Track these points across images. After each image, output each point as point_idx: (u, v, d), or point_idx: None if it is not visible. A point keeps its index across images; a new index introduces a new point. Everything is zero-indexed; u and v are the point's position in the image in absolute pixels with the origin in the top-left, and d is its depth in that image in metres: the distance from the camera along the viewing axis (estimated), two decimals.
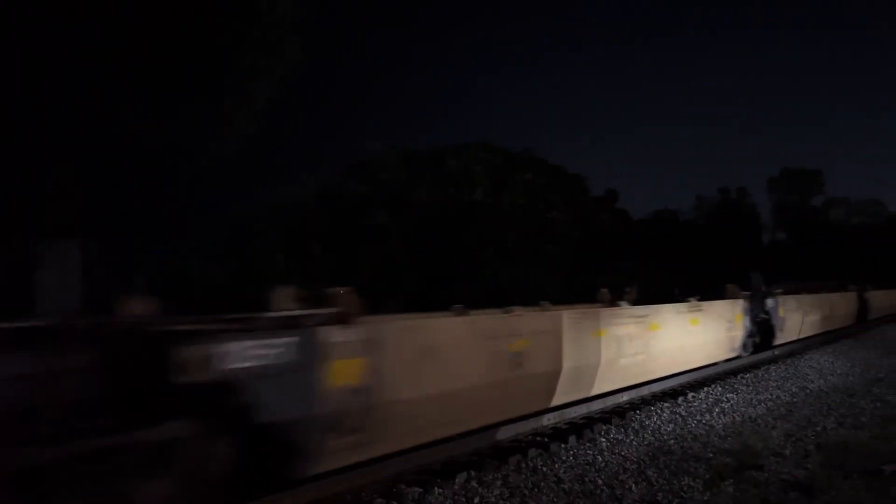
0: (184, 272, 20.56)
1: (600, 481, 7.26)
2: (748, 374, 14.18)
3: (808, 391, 13.21)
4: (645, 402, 11.19)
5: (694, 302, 14.21)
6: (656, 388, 12.09)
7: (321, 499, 6.14)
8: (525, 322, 8.76)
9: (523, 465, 7.64)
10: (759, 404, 11.68)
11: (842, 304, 27.52)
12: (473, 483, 6.95)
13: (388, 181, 32.68)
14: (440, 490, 6.65)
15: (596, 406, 10.33)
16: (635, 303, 12.68)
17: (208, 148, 18.33)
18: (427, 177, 33.20)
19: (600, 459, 8.05)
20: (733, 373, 14.40)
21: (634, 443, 8.86)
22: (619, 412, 10.25)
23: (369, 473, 6.63)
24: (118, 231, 17.02)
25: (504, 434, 8.50)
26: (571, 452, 8.22)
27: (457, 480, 6.93)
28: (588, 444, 8.63)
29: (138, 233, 18.08)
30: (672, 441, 9.03)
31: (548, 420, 9.32)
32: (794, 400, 12.29)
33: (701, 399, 11.60)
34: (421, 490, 6.60)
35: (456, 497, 6.56)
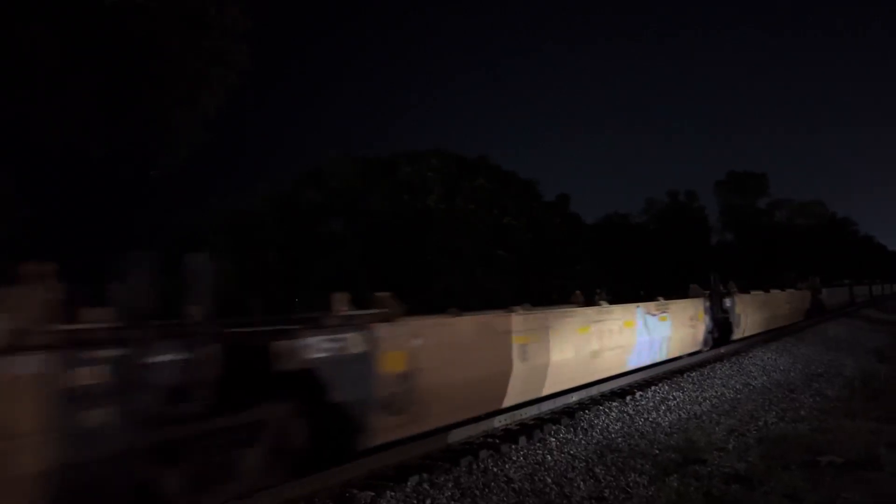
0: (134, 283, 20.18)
1: (549, 480, 7.42)
2: (694, 373, 14.55)
3: (751, 387, 13.63)
4: (594, 401, 11.41)
5: (662, 301, 15.41)
6: (605, 387, 12.34)
7: None
8: (526, 321, 10.09)
9: (474, 466, 7.75)
10: (705, 401, 12.02)
11: (794, 301, 29.02)
12: (425, 485, 7.03)
13: (341, 189, 32.58)
14: (392, 493, 6.71)
15: (546, 407, 10.51)
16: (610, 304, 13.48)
17: (157, 158, 18.04)
18: (381, 184, 33.20)
19: (550, 459, 8.21)
20: (679, 371, 14.76)
21: (583, 442, 9.04)
22: (569, 412, 10.44)
23: (319, 480, 6.66)
24: (64, 243, 16.66)
25: (455, 437, 8.60)
26: (522, 453, 8.36)
27: (409, 483, 7.00)
28: (538, 444, 8.78)
29: (85, 244, 17.70)
30: (620, 439, 9.25)
31: (499, 422, 9.46)
32: (738, 396, 12.68)
33: (648, 398, 11.88)
34: (373, 494, 6.65)
35: (408, 500, 6.63)
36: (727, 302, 19.50)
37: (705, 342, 17.86)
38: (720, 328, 18.92)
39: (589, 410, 10.67)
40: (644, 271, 43.63)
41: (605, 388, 12.35)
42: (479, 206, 33.88)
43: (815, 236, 73.62)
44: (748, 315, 21.45)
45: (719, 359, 16.91)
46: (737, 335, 20.04)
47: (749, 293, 22.85)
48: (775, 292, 27.40)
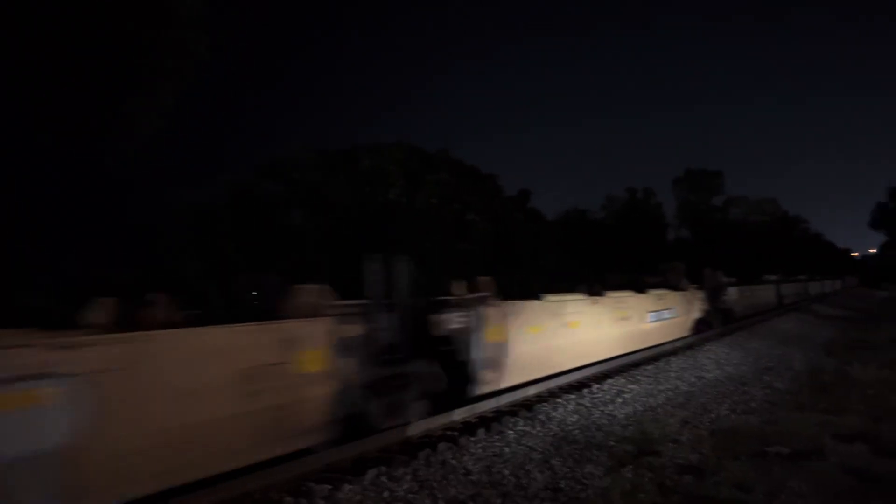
0: (87, 276, 19.71)
1: (507, 472, 7.50)
2: (650, 366, 14.83)
3: (704, 380, 13.94)
4: (552, 394, 11.55)
5: (662, 291, 19.43)
6: (563, 380, 12.50)
7: (227, 499, 6.11)
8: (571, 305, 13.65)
9: (433, 458, 7.79)
10: (659, 394, 12.26)
11: (767, 293, 36.03)
12: (383, 478, 7.05)
13: (301, 180, 32.25)
14: (350, 486, 6.71)
15: (505, 400, 10.61)
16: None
17: (112, 148, 17.65)
18: (341, 176, 32.95)
19: (508, 451, 8.30)
20: (635, 365, 15.02)
21: (541, 434, 9.16)
22: (527, 405, 10.55)
23: (278, 472, 6.62)
24: (15, 233, 16.18)
25: (414, 430, 8.63)
26: (480, 445, 8.43)
27: (367, 476, 7.01)
28: (496, 437, 8.86)
29: (37, 235, 17.22)
30: (576, 431, 9.39)
31: (458, 415, 9.52)
32: (692, 389, 12.95)
33: (605, 390, 12.07)
34: (330, 487, 6.64)
35: (366, 492, 6.64)
36: (730, 291, 26.17)
37: (699, 327, 22.70)
38: (723, 314, 24.79)
39: (547, 403, 10.80)
40: (604, 265, 44.16)
41: (563, 380, 12.52)
42: (441, 200, 33.89)
43: (768, 233, 75.41)
44: (742, 302, 28.10)
45: (673, 353, 17.25)
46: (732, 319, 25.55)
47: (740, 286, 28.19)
48: (759, 286, 31.17)
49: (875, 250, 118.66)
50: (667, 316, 18.89)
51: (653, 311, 18.01)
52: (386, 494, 6.62)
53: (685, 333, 20.59)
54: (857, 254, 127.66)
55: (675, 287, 20.83)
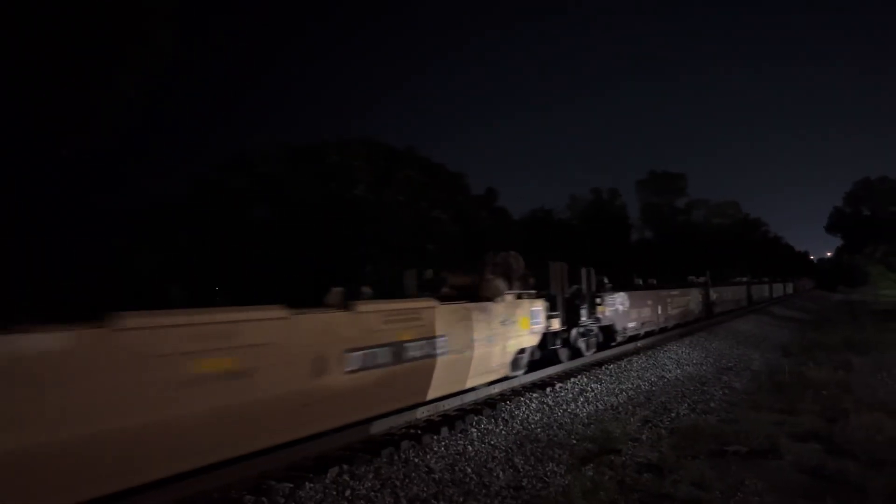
0: (46, 270, 19.25)
1: (469, 470, 7.51)
2: (612, 365, 14.97)
3: (665, 380, 14.14)
4: (515, 392, 11.59)
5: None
6: (526, 379, 12.55)
7: (186, 497, 6.01)
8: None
9: (396, 456, 7.76)
10: (621, 393, 12.39)
11: (739, 291, 39.01)
12: (345, 476, 7.00)
13: (267, 175, 31.91)
14: (311, 485, 6.65)
15: (469, 398, 10.61)
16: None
17: (71, 139, 17.23)
18: (308, 172, 32.68)
19: (471, 449, 8.31)
20: (598, 364, 15.16)
21: (503, 432, 9.19)
22: (491, 403, 10.58)
23: (238, 471, 6.54)
24: None
25: (377, 428, 8.58)
26: (443, 443, 8.42)
27: (328, 474, 6.96)
28: (460, 435, 8.87)
29: None
30: (539, 430, 9.44)
31: (421, 413, 9.49)
32: (653, 388, 13.13)
33: (567, 389, 12.16)
34: (291, 485, 6.58)
35: (327, 490, 6.59)
36: (712, 291, 29.86)
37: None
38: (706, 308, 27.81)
39: (510, 402, 10.84)
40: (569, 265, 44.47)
41: (527, 380, 12.58)
42: (408, 198, 33.81)
43: (729, 235, 76.79)
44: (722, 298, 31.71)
45: (636, 352, 17.45)
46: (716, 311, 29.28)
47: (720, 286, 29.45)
48: (734, 286, 34.20)
49: (831, 254, 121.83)
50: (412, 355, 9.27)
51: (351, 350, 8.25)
52: (348, 493, 6.58)
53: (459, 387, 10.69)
54: (813, 257, 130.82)
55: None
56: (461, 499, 6.65)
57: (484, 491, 6.89)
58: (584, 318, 15.77)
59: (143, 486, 5.75)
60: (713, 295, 31.37)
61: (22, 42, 15.25)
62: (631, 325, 19.54)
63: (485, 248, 37.58)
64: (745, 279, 43.25)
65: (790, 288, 68.28)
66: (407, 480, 7.04)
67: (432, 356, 9.47)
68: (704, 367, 16.17)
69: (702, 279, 32.18)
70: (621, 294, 18.84)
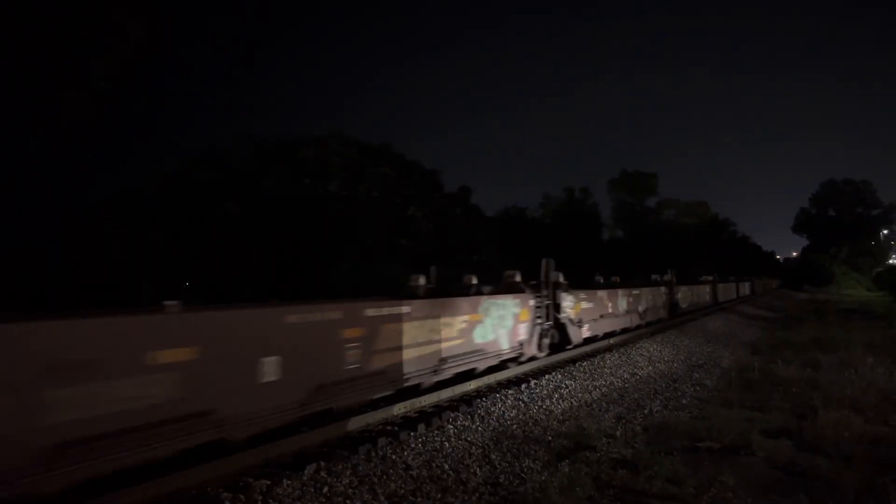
0: (9, 266, 18.81)
1: (447, 466, 7.52)
2: (585, 363, 15.08)
3: (638, 377, 14.29)
4: (491, 389, 11.62)
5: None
6: (501, 376, 12.60)
7: (162, 495, 5.93)
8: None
9: (373, 453, 7.74)
10: (595, 390, 12.50)
11: (706, 290, 39.99)
12: (323, 473, 6.96)
13: (239, 170, 31.58)
14: (289, 482, 6.60)
15: (445, 395, 10.62)
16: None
17: (41, 130, 16.89)
18: (280, 167, 32.42)
19: (448, 446, 8.31)
20: (572, 361, 15.26)
21: (480, 429, 9.21)
22: (467, 400, 10.59)
23: (216, 468, 6.46)
24: None
25: (354, 424, 8.55)
26: (420, 440, 8.42)
27: (306, 471, 6.91)
28: (437, 432, 8.87)
29: None
30: (515, 426, 9.48)
31: (398, 409, 9.48)
32: (626, 385, 13.26)
33: (542, 386, 12.22)
34: (269, 482, 6.52)
35: (305, 488, 6.55)
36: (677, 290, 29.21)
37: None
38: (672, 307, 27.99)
39: (486, 398, 10.87)
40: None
41: (502, 376, 12.63)
42: (382, 194, 33.71)
43: (697, 235, 77.81)
44: (688, 298, 31.32)
45: (609, 349, 17.60)
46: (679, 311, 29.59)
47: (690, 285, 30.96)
48: (703, 285, 34.84)
49: (797, 254, 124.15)
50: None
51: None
52: (325, 490, 6.54)
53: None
54: (780, 257, 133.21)
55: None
56: (439, 495, 6.66)
57: (461, 487, 6.91)
58: (542, 318, 15.10)
59: (115, 483, 5.68)
60: (678, 294, 30.79)
61: None
62: (586, 326, 17.92)
63: (458, 244, 37.73)
64: (711, 278, 43.40)
65: (746, 288, 60.47)
66: (385, 477, 7.02)
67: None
68: (676, 365, 16.38)
69: (666, 277, 31.06)
70: (578, 292, 17.50)
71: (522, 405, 10.74)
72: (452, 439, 8.59)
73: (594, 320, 18.81)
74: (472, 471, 7.43)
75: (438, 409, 9.90)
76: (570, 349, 16.30)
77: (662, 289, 28.48)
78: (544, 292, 15.43)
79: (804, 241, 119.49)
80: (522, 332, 14.03)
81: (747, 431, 9.13)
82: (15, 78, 15.53)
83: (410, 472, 7.26)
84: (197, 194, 29.73)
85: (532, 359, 14.37)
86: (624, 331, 21.60)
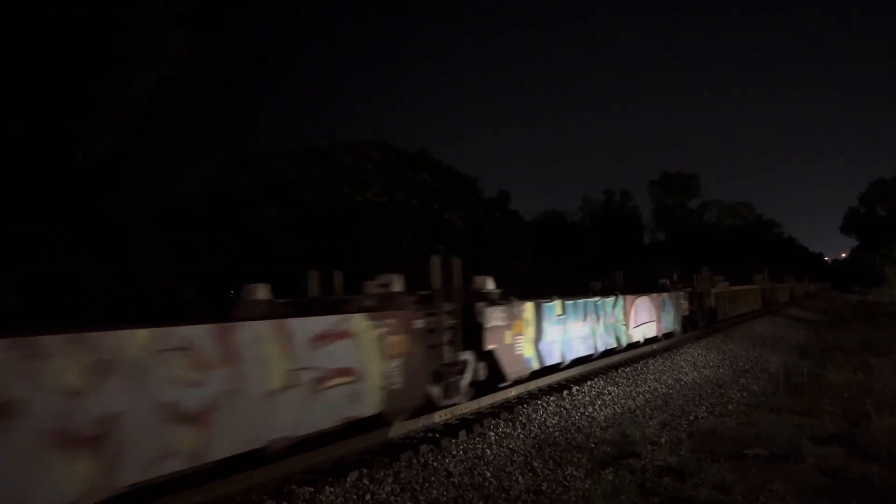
0: (59, 274, 19.32)
1: (489, 474, 7.46)
2: (628, 368, 14.88)
3: (682, 383, 14.03)
4: (532, 396, 11.54)
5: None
6: (542, 382, 12.50)
7: (207, 502, 6.00)
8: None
9: (414, 460, 7.73)
10: (638, 396, 12.31)
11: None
12: (365, 481, 6.97)
13: (276, 178, 31.96)
14: (332, 489, 6.63)
15: (486, 401, 10.57)
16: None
17: (83, 143, 17.32)
18: (318, 174, 32.72)
19: (489, 453, 8.26)
20: (615, 367, 15.07)
21: (521, 436, 9.13)
22: (508, 407, 10.53)
23: (259, 475, 6.52)
24: None
25: (395, 431, 8.55)
26: (462, 447, 8.38)
27: (348, 479, 6.93)
28: (478, 439, 8.82)
29: (4, 232, 16.84)
30: (557, 433, 9.38)
31: (439, 417, 9.46)
32: (670, 391, 13.03)
33: (584, 392, 12.09)
34: (312, 489, 6.55)
35: (347, 495, 6.56)
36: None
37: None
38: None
39: (527, 405, 10.78)
40: (581, 267, 44.36)
41: (543, 382, 12.53)
42: (420, 201, 33.80)
43: (742, 236, 76.38)
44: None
45: (652, 355, 17.34)
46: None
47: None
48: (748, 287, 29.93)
49: (846, 255, 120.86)
50: None
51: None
52: (368, 497, 6.56)
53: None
54: (828, 258, 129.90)
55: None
56: (481, 503, 6.61)
57: (504, 495, 6.85)
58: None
59: (160, 490, 5.76)
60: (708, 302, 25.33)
61: (36, 48, 15.35)
62: (553, 353, 13.01)
63: (496, 249, 37.58)
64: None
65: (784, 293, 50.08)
66: (426, 484, 7.00)
67: None
68: (721, 370, 16.05)
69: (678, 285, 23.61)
70: (523, 305, 12.05)
71: (564, 412, 10.62)
72: (494, 446, 8.54)
73: (555, 344, 13.20)
74: (514, 478, 7.37)
75: (480, 416, 9.86)
76: (504, 387, 11.30)
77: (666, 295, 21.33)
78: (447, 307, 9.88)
79: (853, 242, 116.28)
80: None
81: (796, 437, 8.87)
82: (61, 94, 15.97)
83: (452, 479, 7.23)
84: (236, 203, 30.18)
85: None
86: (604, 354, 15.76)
